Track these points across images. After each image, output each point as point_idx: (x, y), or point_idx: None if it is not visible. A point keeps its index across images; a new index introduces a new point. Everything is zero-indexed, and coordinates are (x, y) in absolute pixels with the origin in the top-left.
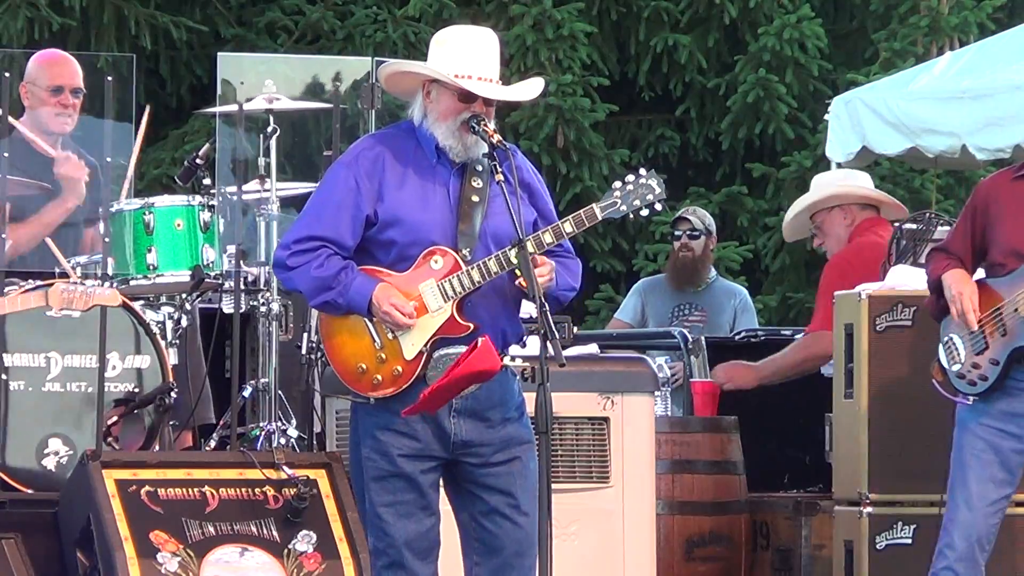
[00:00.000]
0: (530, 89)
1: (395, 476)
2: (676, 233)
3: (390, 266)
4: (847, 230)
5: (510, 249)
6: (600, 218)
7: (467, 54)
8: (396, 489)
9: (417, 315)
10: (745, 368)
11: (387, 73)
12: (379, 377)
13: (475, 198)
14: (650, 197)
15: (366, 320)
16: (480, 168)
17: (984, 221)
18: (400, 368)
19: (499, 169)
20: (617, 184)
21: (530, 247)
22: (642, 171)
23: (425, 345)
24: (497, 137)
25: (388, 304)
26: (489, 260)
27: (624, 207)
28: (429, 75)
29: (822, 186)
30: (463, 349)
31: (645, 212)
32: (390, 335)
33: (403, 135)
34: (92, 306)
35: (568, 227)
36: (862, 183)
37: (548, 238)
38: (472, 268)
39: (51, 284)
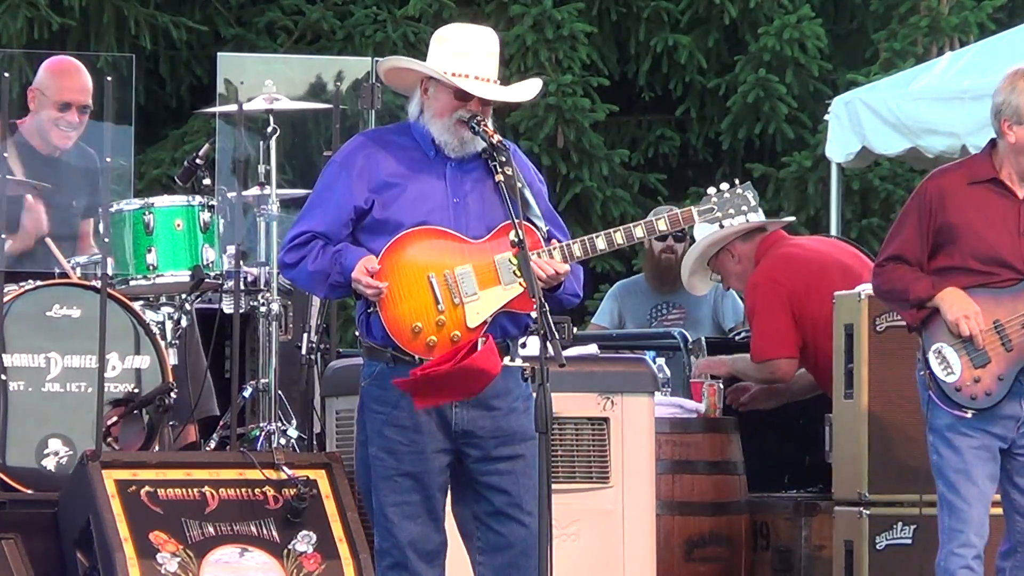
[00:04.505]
0: (526, 90)
1: (403, 476)
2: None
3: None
4: (745, 263)
5: (597, 237)
6: (697, 222)
7: (465, 53)
8: (403, 489)
9: (487, 286)
10: (719, 361)
11: (385, 68)
12: (434, 339)
13: (519, 184)
14: (744, 208)
15: (431, 277)
16: (504, 158)
17: (938, 223)
18: (459, 334)
19: (499, 170)
20: (712, 190)
21: (619, 238)
22: (736, 181)
23: (491, 316)
24: (497, 137)
25: (355, 274)
26: (573, 244)
27: (720, 214)
28: (425, 72)
29: (698, 247)
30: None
31: (735, 222)
32: (455, 300)
33: (396, 131)
34: None
35: (662, 225)
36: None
37: (640, 232)
38: (555, 248)
39: None
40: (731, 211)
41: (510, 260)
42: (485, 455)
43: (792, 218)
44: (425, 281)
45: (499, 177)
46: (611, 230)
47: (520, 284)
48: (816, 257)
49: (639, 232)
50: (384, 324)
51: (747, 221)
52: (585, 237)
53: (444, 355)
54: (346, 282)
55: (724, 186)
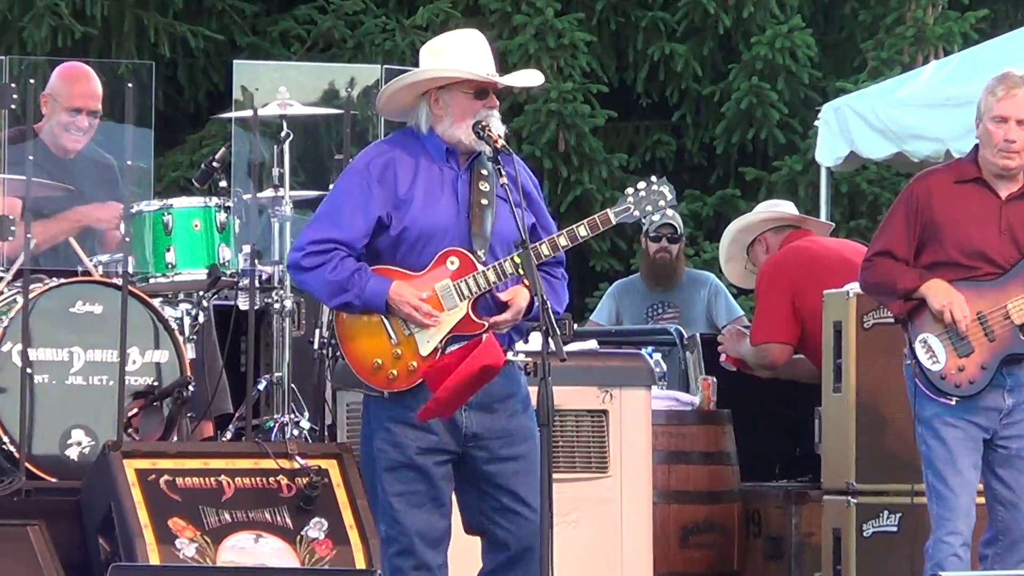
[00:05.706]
0: (531, 77)
1: (407, 467)
2: (653, 235)
3: (397, 265)
4: (772, 254)
5: (542, 244)
6: (614, 223)
7: (470, 55)
8: (408, 479)
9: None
10: (740, 332)
11: (393, 90)
12: (394, 372)
13: (484, 201)
14: (661, 203)
15: (382, 317)
16: (485, 171)
17: (924, 221)
18: (415, 364)
19: (503, 173)
20: (630, 190)
21: (545, 250)
22: (653, 178)
23: (440, 342)
24: (502, 142)
25: (408, 306)
26: (504, 262)
27: (636, 212)
28: (449, 76)
29: (730, 231)
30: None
31: (656, 217)
32: (406, 332)
33: (410, 140)
34: None
35: (583, 231)
36: (766, 210)
37: (563, 241)
38: (488, 269)
39: None
40: (648, 208)
41: (450, 286)
42: (491, 456)
43: (831, 224)
44: (379, 319)
45: (503, 180)
46: (555, 233)
47: (461, 306)
48: (825, 252)
49: (562, 240)
50: (350, 367)
51: (669, 215)
52: (511, 257)
53: (449, 360)
54: (361, 304)
55: (641, 184)
